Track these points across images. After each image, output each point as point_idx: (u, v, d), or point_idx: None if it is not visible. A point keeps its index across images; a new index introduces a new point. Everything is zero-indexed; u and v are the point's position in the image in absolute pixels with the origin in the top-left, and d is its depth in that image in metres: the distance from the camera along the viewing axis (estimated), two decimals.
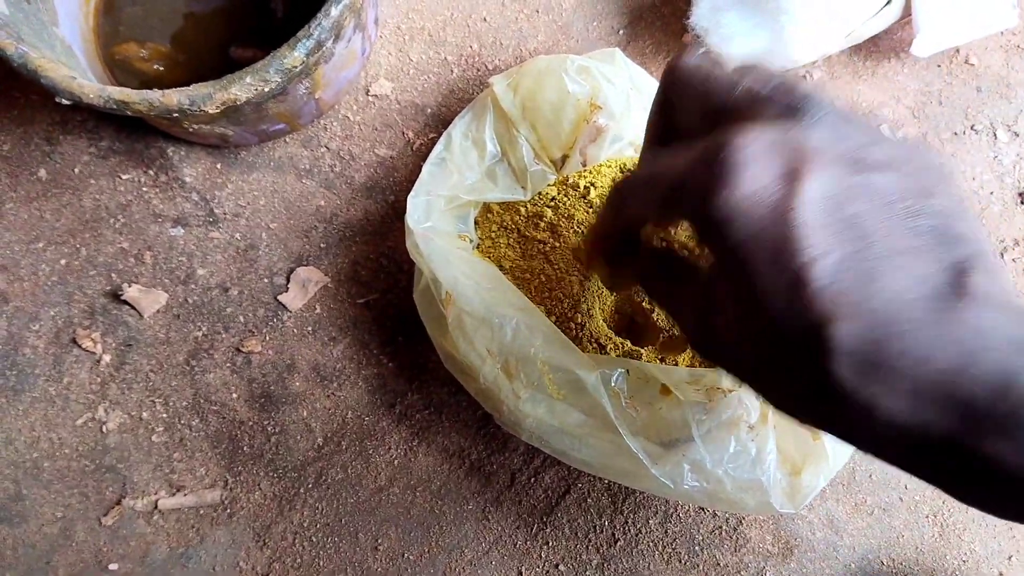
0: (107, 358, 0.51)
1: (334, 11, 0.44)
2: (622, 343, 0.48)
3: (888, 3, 0.51)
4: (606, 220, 0.34)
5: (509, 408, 0.45)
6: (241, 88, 0.43)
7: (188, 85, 0.44)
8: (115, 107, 0.43)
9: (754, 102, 0.28)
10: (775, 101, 0.28)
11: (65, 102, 0.44)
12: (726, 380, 0.44)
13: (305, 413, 0.51)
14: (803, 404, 0.26)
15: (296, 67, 0.43)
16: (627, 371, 0.44)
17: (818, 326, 0.23)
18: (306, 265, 0.53)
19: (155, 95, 0.43)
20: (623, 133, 0.51)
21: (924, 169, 0.26)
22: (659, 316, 0.48)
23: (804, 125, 0.27)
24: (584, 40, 0.57)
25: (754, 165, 0.25)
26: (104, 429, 0.50)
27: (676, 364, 0.47)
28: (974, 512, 0.49)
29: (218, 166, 0.54)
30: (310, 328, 0.52)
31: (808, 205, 0.24)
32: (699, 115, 0.31)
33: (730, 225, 0.25)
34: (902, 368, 0.23)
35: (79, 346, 0.51)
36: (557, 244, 0.51)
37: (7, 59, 0.44)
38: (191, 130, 0.50)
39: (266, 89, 0.43)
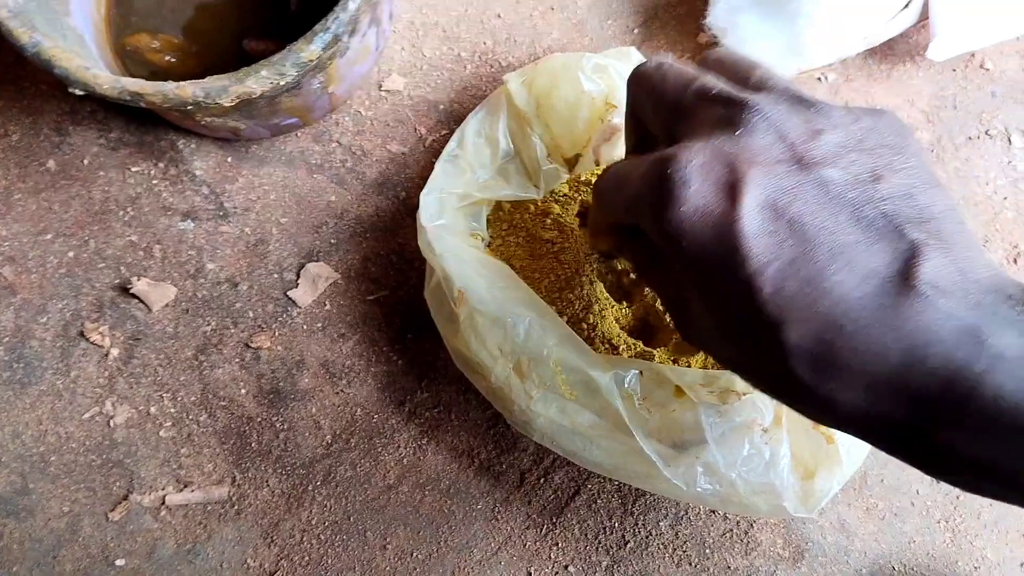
0: (115, 352, 0.51)
1: (352, 5, 0.43)
2: (635, 344, 0.48)
3: (905, 7, 0.51)
4: (594, 212, 0.36)
5: (520, 408, 0.45)
6: (257, 81, 0.43)
7: (200, 77, 0.44)
8: (129, 98, 0.42)
9: (700, 105, 0.29)
10: (718, 105, 0.29)
11: (78, 92, 0.43)
12: (740, 383, 0.43)
13: (314, 410, 0.50)
14: (776, 393, 0.28)
15: (312, 61, 0.43)
16: (640, 372, 0.43)
17: (772, 329, 0.24)
18: (316, 261, 0.52)
19: (169, 87, 0.42)
20: None
21: (879, 144, 0.27)
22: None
23: (741, 134, 0.27)
24: (598, 38, 0.57)
25: (696, 181, 0.26)
26: (111, 423, 0.50)
27: (689, 366, 0.47)
28: (986, 517, 0.49)
29: (229, 160, 0.54)
30: (319, 324, 0.52)
31: (748, 216, 0.25)
32: (657, 119, 0.32)
33: (680, 240, 0.26)
34: (854, 366, 0.24)
35: (87, 339, 0.51)
36: (567, 244, 0.50)
37: (21, 48, 0.43)
38: (203, 123, 0.49)
39: (282, 83, 0.43)
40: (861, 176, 0.26)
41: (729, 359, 0.29)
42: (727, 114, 0.28)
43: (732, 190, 0.25)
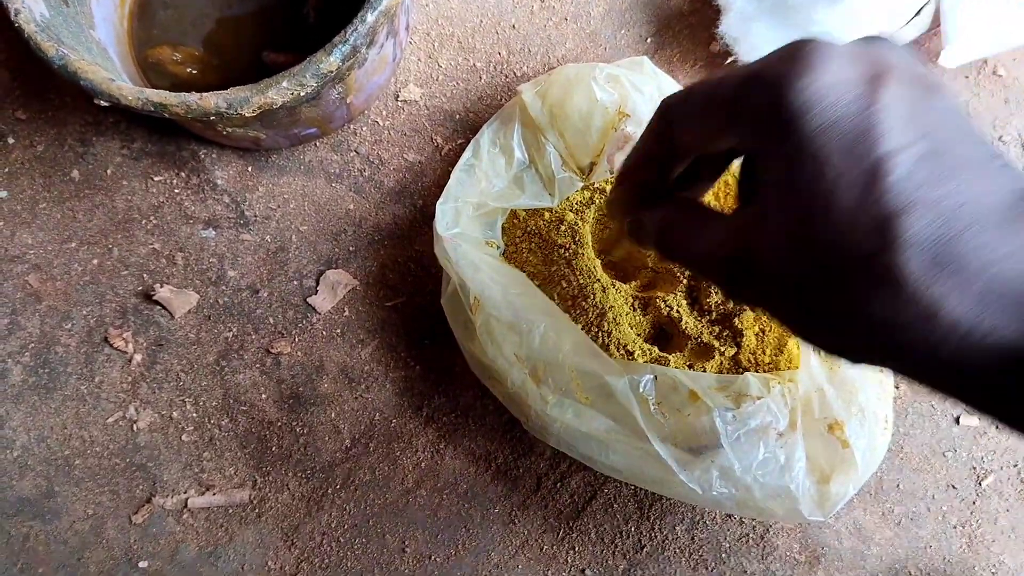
0: (138, 357, 0.52)
1: (370, 17, 0.44)
2: (650, 349, 0.48)
3: (918, 13, 0.51)
4: (647, 146, 0.32)
5: (536, 413, 0.45)
6: (278, 92, 0.43)
7: (220, 88, 0.45)
8: (153, 109, 0.43)
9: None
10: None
11: (104, 104, 0.44)
12: (755, 386, 0.44)
13: (333, 414, 0.51)
14: (852, 324, 0.25)
15: (332, 72, 0.44)
16: (655, 377, 0.44)
17: (891, 217, 0.23)
18: (335, 268, 0.53)
19: (192, 98, 0.43)
20: None
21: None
22: (688, 324, 0.48)
23: (884, 46, 0.27)
24: (612, 48, 0.58)
25: (838, 61, 0.25)
26: (135, 428, 0.51)
27: (704, 371, 0.47)
28: (1003, 523, 0.49)
29: (249, 169, 0.55)
30: (339, 330, 0.52)
31: (889, 102, 0.24)
32: (715, 122, 0.29)
33: (807, 113, 0.24)
34: (973, 266, 0.22)
35: (111, 345, 0.52)
36: (580, 251, 0.51)
37: (48, 61, 0.44)
38: (225, 133, 0.50)
39: (302, 93, 0.44)
40: (976, 124, 0.26)
41: (795, 298, 0.26)
42: (867, 38, 0.27)
43: (875, 80, 0.25)
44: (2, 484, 0.50)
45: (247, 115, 0.44)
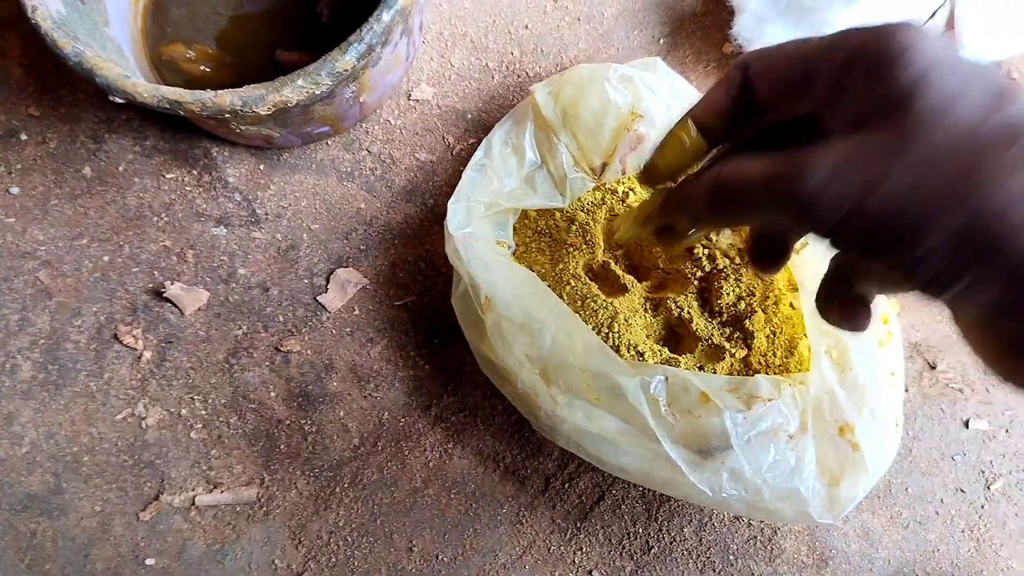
0: (148, 355, 0.52)
1: (385, 16, 0.44)
2: (660, 351, 0.48)
3: (932, 16, 0.51)
4: (716, 97, 0.31)
5: (546, 413, 0.45)
6: (293, 90, 0.44)
7: (233, 86, 0.45)
8: (168, 106, 0.44)
9: None
10: None
11: (119, 100, 0.44)
12: (765, 388, 0.44)
13: (342, 413, 0.51)
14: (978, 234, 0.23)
15: (347, 71, 0.44)
16: (666, 378, 0.44)
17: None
18: (346, 266, 0.53)
19: (208, 95, 0.43)
20: None
21: None
22: (698, 325, 0.48)
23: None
24: (625, 49, 0.58)
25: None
26: (143, 425, 0.51)
27: (715, 372, 0.47)
28: (1012, 528, 0.49)
29: (261, 167, 0.55)
30: (348, 329, 0.52)
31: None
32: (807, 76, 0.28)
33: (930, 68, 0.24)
34: None
35: (120, 342, 0.52)
36: (592, 251, 0.51)
37: (64, 58, 0.45)
38: (238, 131, 0.50)
39: (317, 92, 0.44)
40: None
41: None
42: None
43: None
44: (10, 480, 0.50)
45: (262, 113, 0.44)
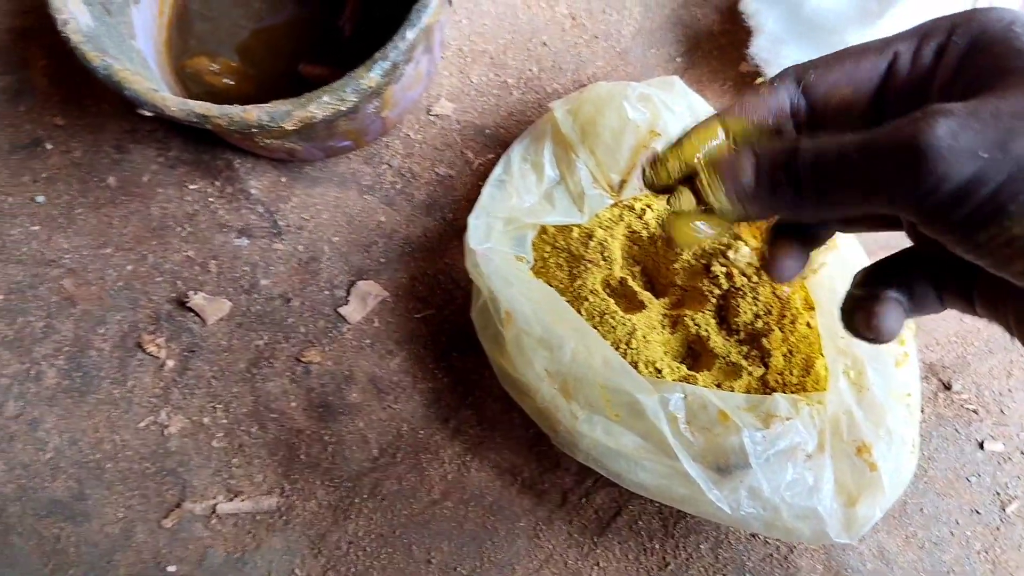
0: (170, 363, 0.52)
1: (410, 34, 0.45)
2: (678, 367, 0.49)
3: None
4: (770, 98, 0.28)
5: (566, 428, 0.46)
6: (319, 107, 0.44)
7: (256, 98, 0.45)
8: (196, 120, 0.44)
9: None
10: None
11: (147, 113, 0.45)
12: (784, 407, 0.44)
13: (362, 424, 0.52)
14: None
15: (372, 87, 0.45)
16: (685, 396, 0.44)
17: None
18: (366, 279, 0.54)
19: (236, 110, 0.44)
20: None
21: None
22: (716, 343, 0.49)
23: None
24: (642, 67, 0.58)
25: None
26: (166, 433, 0.51)
27: (732, 391, 0.47)
28: None
29: (283, 179, 0.55)
30: (368, 340, 0.53)
31: None
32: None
33: None
34: None
35: (143, 350, 0.53)
36: (608, 268, 0.51)
37: (93, 71, 0.45)
38: (262, 144, 0.51)
39: (342, 108, 0.45)
40: None
41: None
42: None
43: None
44: (34, 485, 0.51)
45: (288, 128, 0.45)
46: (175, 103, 0.45)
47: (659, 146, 0.51)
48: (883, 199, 0.23)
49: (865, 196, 0.23)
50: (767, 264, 0.31)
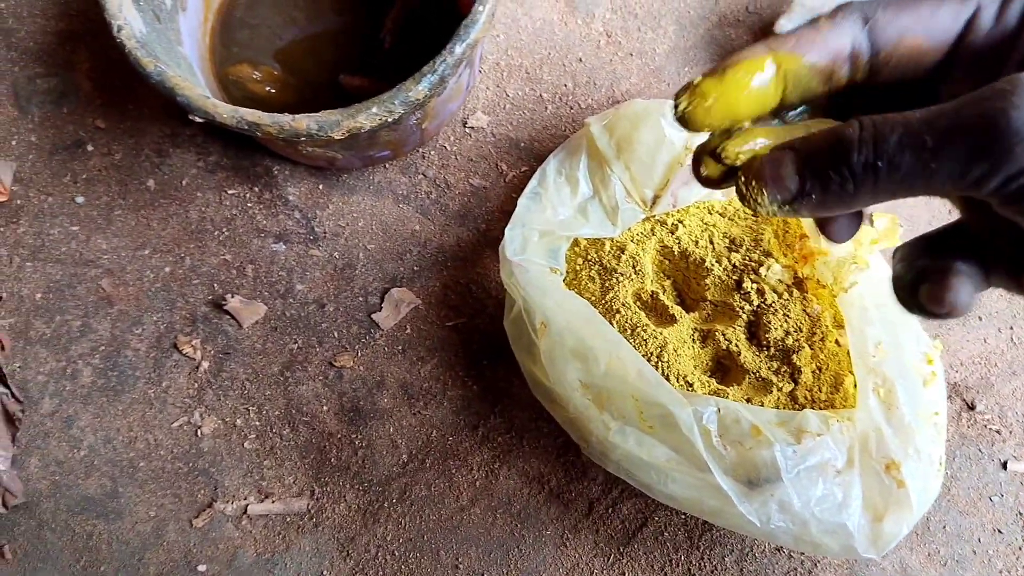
0: (205, 365, 0.53)
1: (459, 48, 0.46)
2: (708, 381, 0.49)
3: None
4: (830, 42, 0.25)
5: (598, 439, 0.46)
6: (367, 117, 0.45)
7: (296, 107, 0.46)
8: (247, 128, 0.45)
9: None
10: None
11: (198, 120, 0.46)
12: (814, 423, 0.45)
13: (392, 429, 0.52)
14: None
15: (419, 100, 0.46)
16: (718, 409, 0.45)
17: None
18: (399, 286, 0.55)
19: (285, 119, 0.45)
20: None
21: None
22: (746, 358, 0.49)
23: None
24: (675, 84, 0.59)
25: None
26: (199, 433, 0.52)
27: (763, 405, 0.48)
28: None
29: (320, 187, 0.56)
30: (400, 347, 0.54)
31: None
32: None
33: None
34: None
35: (179, 351, 0.53)
36: (640, 281, 0.52)
37: (146, 76, 0.46)
38: (304, 152, 0.52)
39: (389, 119, 0.46)
40: None
41: None
42: None
43: None
44: (68, 482, 0.51)
45: (336, 138, 0.46)
46: (226, 110, 0.46)
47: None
48: (960, 183, 0.21)
49: (939, 181, 0.21)
50: (823, 224, 0.29)
